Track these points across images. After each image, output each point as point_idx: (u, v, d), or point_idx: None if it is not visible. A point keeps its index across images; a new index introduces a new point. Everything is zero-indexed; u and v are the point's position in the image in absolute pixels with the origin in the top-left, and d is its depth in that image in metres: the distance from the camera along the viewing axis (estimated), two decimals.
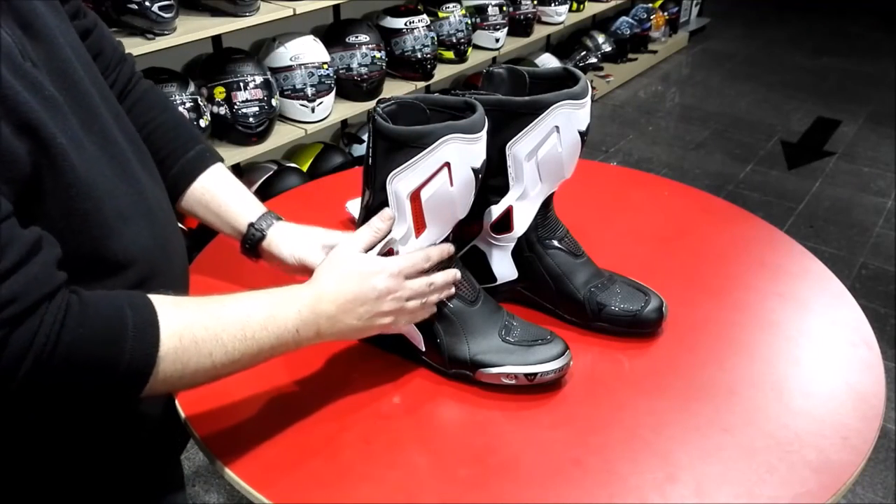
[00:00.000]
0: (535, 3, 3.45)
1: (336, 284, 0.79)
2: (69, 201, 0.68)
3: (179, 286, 0.87)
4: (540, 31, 3.56)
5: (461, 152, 0.78)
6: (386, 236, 0.83)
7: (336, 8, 2.74)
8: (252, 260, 0.97)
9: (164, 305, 0.68)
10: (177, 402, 0.83)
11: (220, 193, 0.97)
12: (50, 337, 0.60)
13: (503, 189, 0.93)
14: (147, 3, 1.96)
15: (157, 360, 0.66)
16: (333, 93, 2.52)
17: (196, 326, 0.69)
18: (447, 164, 0.78)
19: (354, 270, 0.80)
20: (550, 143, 0.89)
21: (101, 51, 0.91)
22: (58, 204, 0.68)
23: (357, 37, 2.59)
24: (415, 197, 0.79)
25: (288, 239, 0.93)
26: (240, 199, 0.97)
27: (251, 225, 0.94)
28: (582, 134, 0.90)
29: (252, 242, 0.94)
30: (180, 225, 2.35)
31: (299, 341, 0.75)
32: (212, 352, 0.69)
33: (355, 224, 0.89)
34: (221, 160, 1.00)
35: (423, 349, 0.88)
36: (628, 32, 4.27)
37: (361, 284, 0.79)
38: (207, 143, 1.01)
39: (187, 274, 0.91)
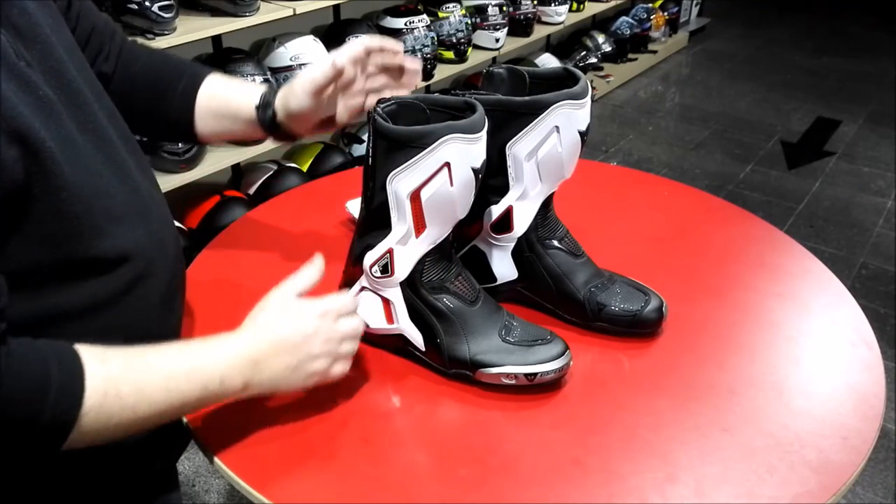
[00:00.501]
0: (535, 3, 3.45)
1: (261, 329, 0.76)
2: (60, 204, 0.68)
3: (176, 284, 0.87)
4: (540, 31, 3.56)
5: (461, 152, 0.78)
6: (319, 280, 0.82)
7: (336, 8, 2.74)
8: (289, 141, 0.95)
9: (92, 360, 0.66)
10: None
11: (223, 96, 0.95)
12: None
13: (503, 189, 0.93)
14: (147, 3, 1.96)
15: (78, 416, 0.64)
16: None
17: (121, 381, 0.67)
18: (447, 164, 0.78)
19: (280, 313, 0.77)
20: (550, 143, 0.89)
21: (94, 25, 0.92)
22: (48, 208, 0.67)
23: (357, 37, 2.58)
24: (415, 197, 0.79)
25: (292, 86, 0.90)
26: (242, 93, 0.95)
27: (257, 108, 0.92)
28: (582, 134, 0.90)
29: (267, 122, 0.92)
30: (180, 224, 2.36)
31: (225, 391, 0.73)
32: (135, 406, 0.68)
33: (355, 224, 0.89)
34: (210, 72, 0.98)
35: (424, 349, 0.88)
36: (628, 32, 4.27)
37: (287, 326, 0.76)
38: (195, 63, 1.01)
39: (184, 272, 0.91)
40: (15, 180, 0.63)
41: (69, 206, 0.69)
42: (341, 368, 0.80)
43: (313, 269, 0.82)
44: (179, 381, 0.71)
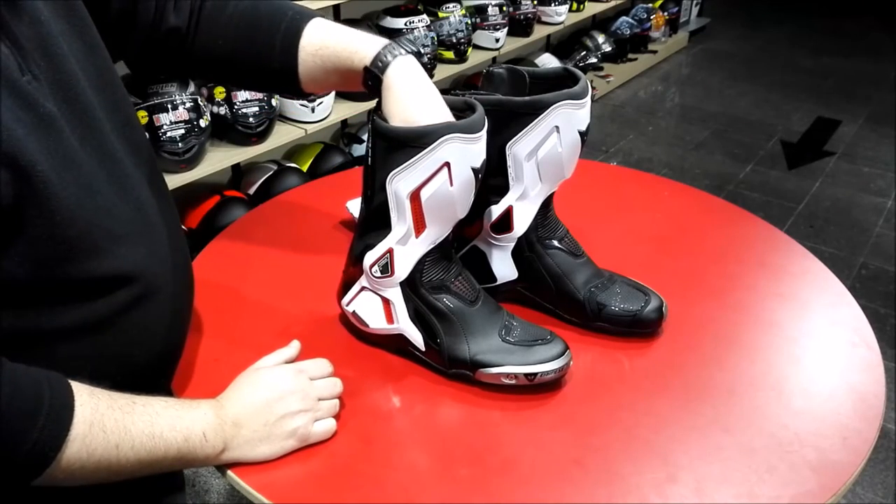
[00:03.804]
0: (535, 3, 3.45)
1: (239, 390, 0.79)
2: (54, 227, 0.67)
3: (183, 300, 0.86)
4: (540, 31, 3.55)
5: (461, 152, 0.78)
6: (295, 356, 0.86)
7: (336, 8, 2.73)
8: None
9: (82, 391, 0.67)
10: None
11: (328, 54, 0.88)
12: None
13: (503, 189, 0.93)
14: None
15: (65, 443, 0.64)
16: (333, 92, 2.52)
17: (107, 416, 0.68)
18: (447, 164, 0.77)
19: (256, 375, 0.81)
20: (550, 143, 0.89)
21: None
22: (42, 231, 0.66)
23: None
24: (415, 197, 0.79)
25: (388, 108, 0.82)
26: (352, 52, 0.86)
27: (364, 83, 0.85)
28: (582, 134, 0.90)
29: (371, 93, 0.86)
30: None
31: (204, 449, 0.73)
32: (118, 444, 0.68)
33: (355, 224, 0.89)
34: (313, 16, 0.89)
35: (424, 349, 0.88)
36: (628, 32, 4.27)
37: (262, 387, 0.79)
38: (292, 4, 0.92)
39: (192, 287, 0.89)
40: (4, 204, 0.63)
41: (64, 230, 0.68)
42: (325, 427, 0.80)
43: (289, 349, 0.87)
44: (163, 427, 0.71)
